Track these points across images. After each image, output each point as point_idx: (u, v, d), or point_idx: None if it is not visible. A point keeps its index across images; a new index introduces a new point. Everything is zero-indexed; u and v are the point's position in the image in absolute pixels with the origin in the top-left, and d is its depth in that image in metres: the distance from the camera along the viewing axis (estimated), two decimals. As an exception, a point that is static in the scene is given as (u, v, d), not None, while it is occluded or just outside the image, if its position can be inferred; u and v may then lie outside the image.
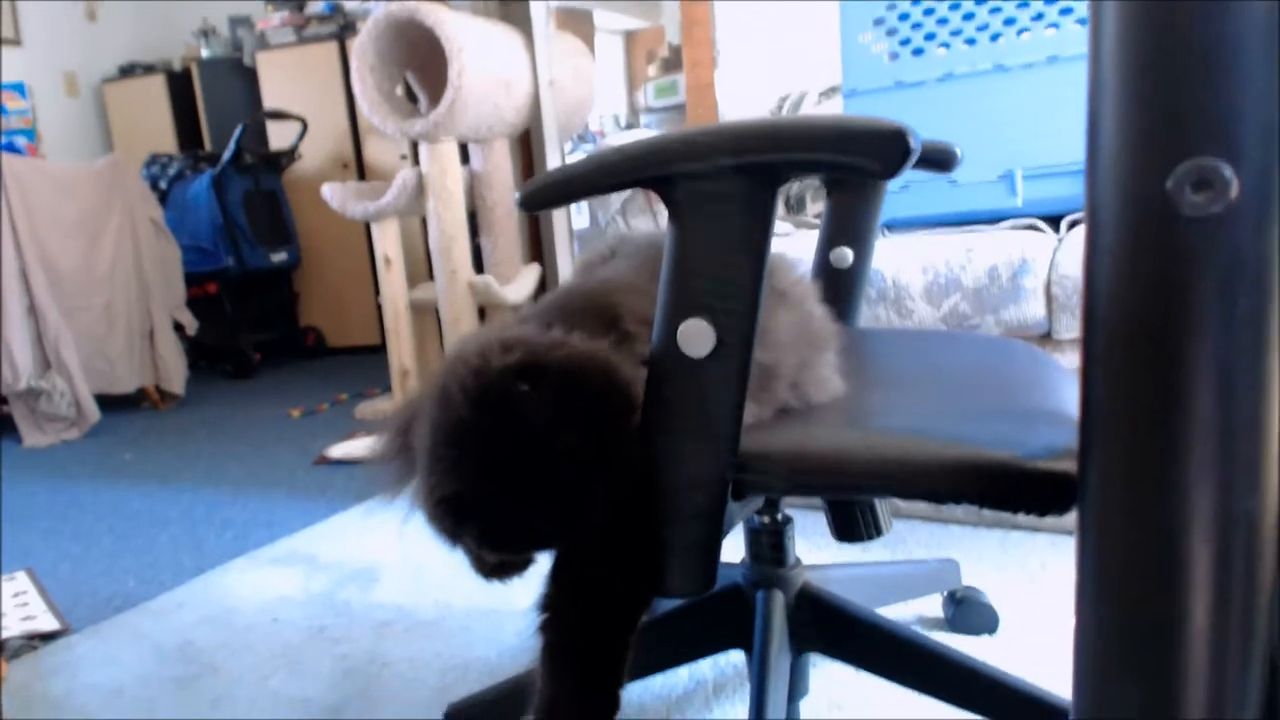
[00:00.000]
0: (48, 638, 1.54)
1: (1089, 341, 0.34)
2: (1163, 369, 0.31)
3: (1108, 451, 0.33)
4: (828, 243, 1.17)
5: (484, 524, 0.65)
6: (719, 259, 0.63)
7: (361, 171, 4.37)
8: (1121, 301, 0.33)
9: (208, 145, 4.67)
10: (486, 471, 0.64)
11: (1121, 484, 0.33)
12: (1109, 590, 0.33)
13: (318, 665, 1.38)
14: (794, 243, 1.75)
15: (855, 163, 0.53)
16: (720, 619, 1.08)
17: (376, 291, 3.65)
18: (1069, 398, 0.82)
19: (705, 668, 1.26)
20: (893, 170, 0.52)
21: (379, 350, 4.01)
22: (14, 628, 1.56)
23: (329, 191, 2.57)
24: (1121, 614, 0.33)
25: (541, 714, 0.70)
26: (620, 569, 0.70)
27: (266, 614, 1.58)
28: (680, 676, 1.25)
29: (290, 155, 4.32)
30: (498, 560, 0.77)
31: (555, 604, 0.71)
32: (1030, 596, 1.38)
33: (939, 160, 1.08)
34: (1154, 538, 0.31)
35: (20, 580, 1.81)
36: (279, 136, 4.45)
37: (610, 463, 0.65)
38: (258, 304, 4.36)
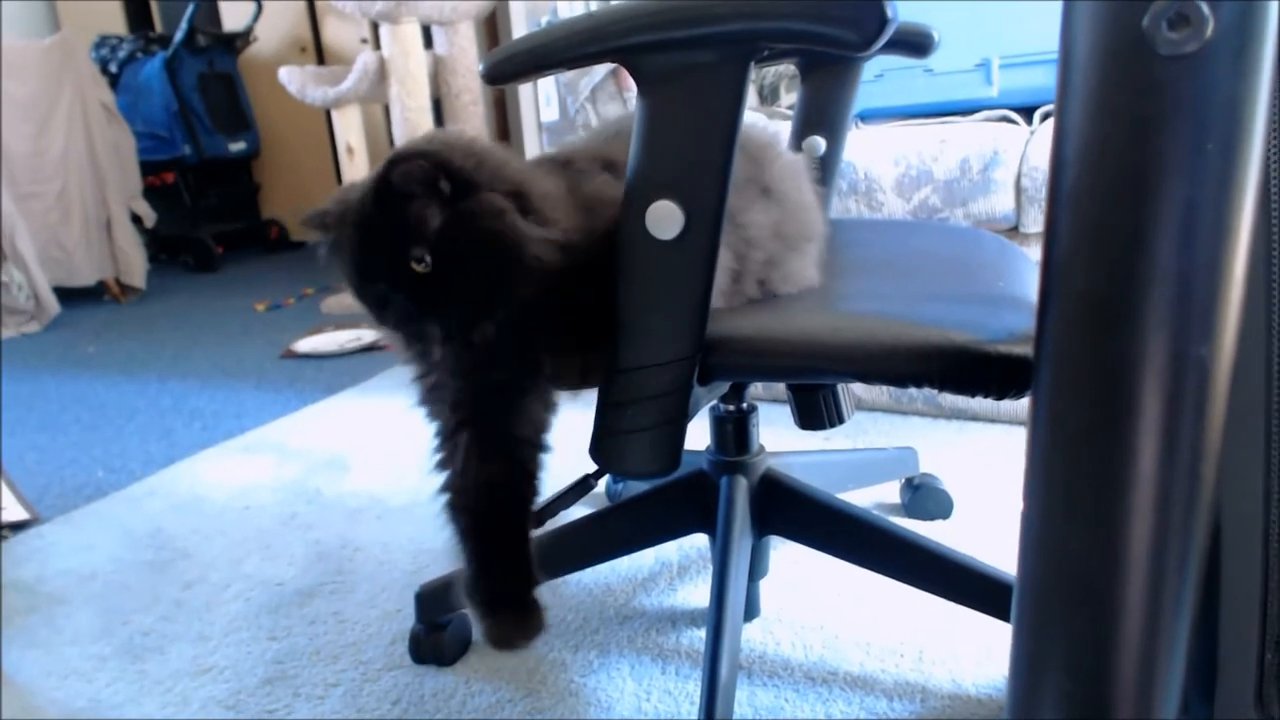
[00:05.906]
0: (17, 527, 1.55)
1: (1056, 183, 0.34)
2: (1126, 210, 0.32)
3: (1067, 293, 0.34)
4: (800, 131, 1.15)
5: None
6: (689, 137, 0.61)
7: (320, 55, 4.21)
8: (1090, 140, 0.32)
9: (159, 26, 4.45)
10: (372, 247, 0.70)
11: (1078, 325, 0.33)
12: (1059, 435, 0.34)
13: (290, 550, 1.40)
14: (766, 133, 1.72)
15: (830, 33, 0.51)
16: (685, 503, 1.11)
17: (340, 183, 3.56)
18: (1033, 286, 0.83)
19: (670, 550, 1.30)
20: (869, 40, 0.50)
21: (344, 244, 3.94)
22: (-18, 516, 1.57)
23: (287, 75, 2.47)
24: (1069, 456, 0.34)
25: (467, 590, 0.76)
26: (503, 447, 0.74)
27: (237, 501, 1.59)
28: (646, 559, 1.28)
29: (245, 37, 4.13)
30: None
31: (453, 488, 0.76)
32: (984, 484, 1.42)
33: (915, 43, 1.05)
34: (1106, 380, 0.32)
35: (-14, 470, 1.80)
36: (232, 17, 4.25)
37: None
38: (217, 195, 4.24)
